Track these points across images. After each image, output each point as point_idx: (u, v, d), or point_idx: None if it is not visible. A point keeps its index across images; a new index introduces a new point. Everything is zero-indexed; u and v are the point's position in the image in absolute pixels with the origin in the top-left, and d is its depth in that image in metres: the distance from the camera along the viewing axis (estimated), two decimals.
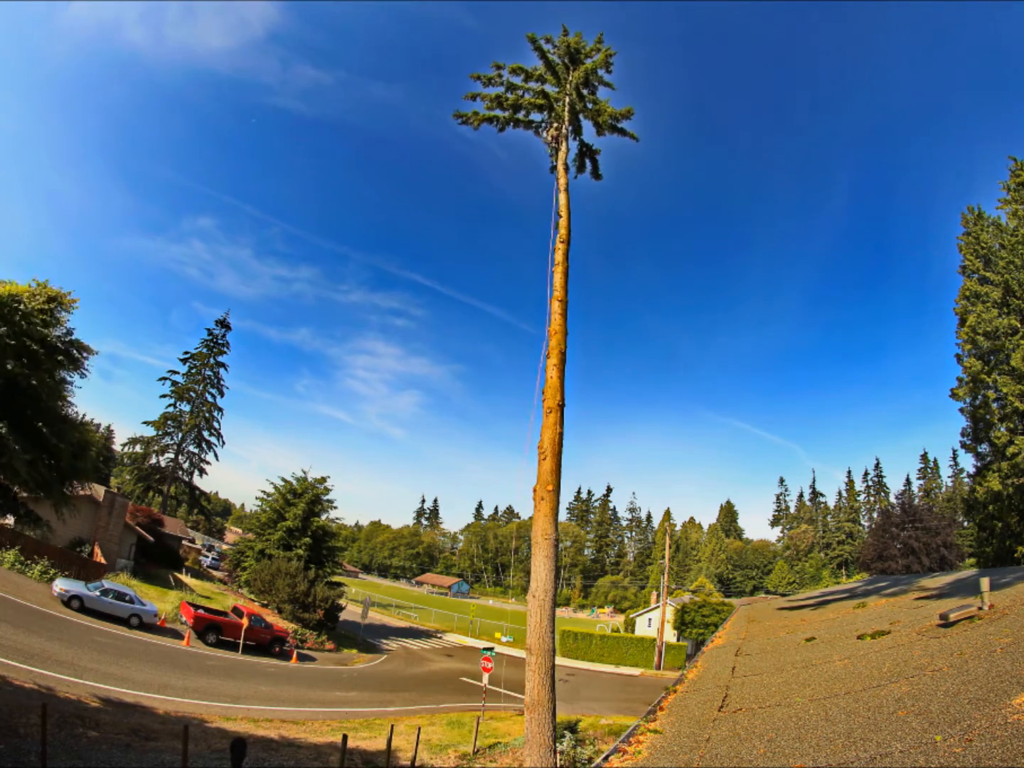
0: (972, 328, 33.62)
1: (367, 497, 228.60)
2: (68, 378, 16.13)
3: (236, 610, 28.31)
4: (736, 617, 23.43)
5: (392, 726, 14.42)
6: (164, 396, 59.88)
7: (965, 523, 52.13)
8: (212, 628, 25.11)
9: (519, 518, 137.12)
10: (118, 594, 22.70)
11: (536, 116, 16.52)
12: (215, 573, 48.67)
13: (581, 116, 16.43)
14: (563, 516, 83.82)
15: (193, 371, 61.27)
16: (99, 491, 31.82)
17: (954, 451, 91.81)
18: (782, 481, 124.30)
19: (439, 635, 48.24)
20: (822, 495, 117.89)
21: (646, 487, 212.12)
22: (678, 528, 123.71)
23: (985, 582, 9.56)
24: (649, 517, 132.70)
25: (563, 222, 14.54)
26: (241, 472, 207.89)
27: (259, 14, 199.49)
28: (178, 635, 23.90)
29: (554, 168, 15.87)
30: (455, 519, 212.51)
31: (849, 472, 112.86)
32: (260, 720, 15.72)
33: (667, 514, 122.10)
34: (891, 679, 6.62)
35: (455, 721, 20.20)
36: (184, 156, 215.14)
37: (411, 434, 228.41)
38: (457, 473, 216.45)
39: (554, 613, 10.80)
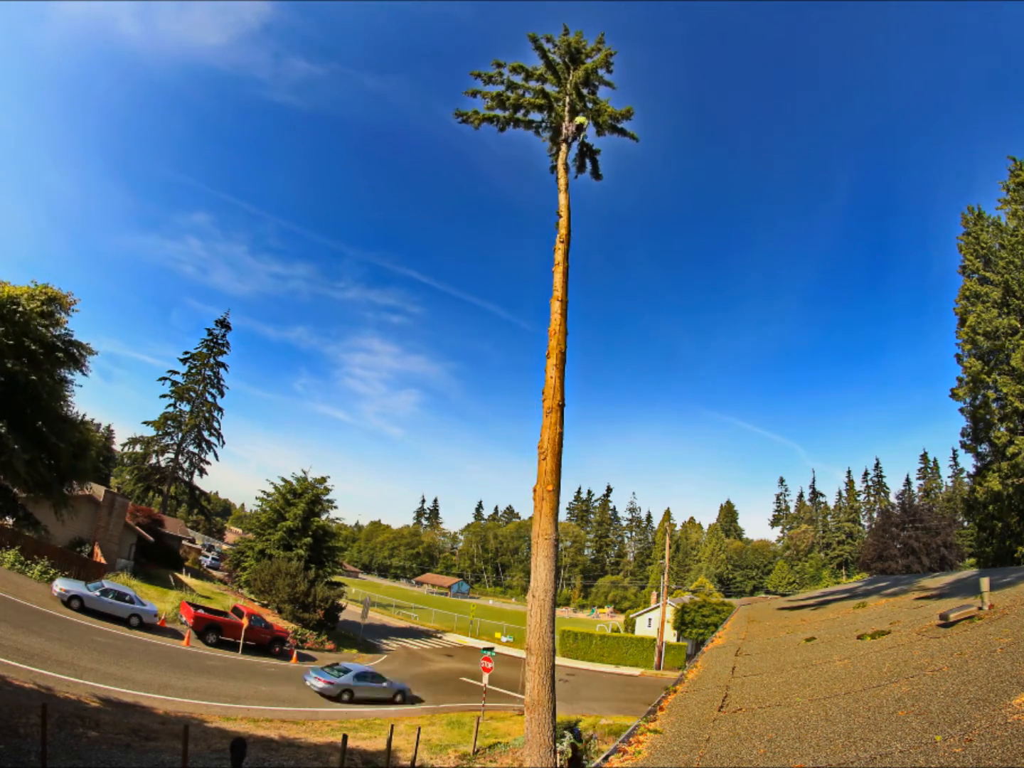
0: (972, 328, 33.62)
1: (367, 497, 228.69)
2: (68, 378, 16.14)
3: (236, 610, 28.30)
4: (736, 617, 23.43)
5: (392, 726, 14.43)
6: (164, 396, 59.92)
7: (965, 523, 52.13)
8: (212, 628, 25.10)
9: (519, 518, 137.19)
10: (118, 594, 22.70)
11: (536, 116, 16.52)
12: (215, 573, 48.66)
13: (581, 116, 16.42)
14: (563, 516, 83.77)
15: (193, 371, 61.28)
16: (99, 491, 31.82)
17: (954, 451, 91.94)
18: (782, 481, 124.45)
19: (439, 635, 48.23)
20: (822, 495, 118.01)
21: (646, 487, 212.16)
22: (678, 528, 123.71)
23: (985, 582, 9.56)
24: (649, 517, 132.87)
25: (563, 222, 14.54)
26: (241, 472, 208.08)
27: (252, 6, 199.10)
28: (178, 635, 23.90)
29: (554, 168, 15.88)
30: (455, 519, 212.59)
31: (849, 472, 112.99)
32: (260, 720, 15.73)
33: (667, 514, 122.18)
34: (891, 679, 6.61)
35: (455, 721, 20.21)
36: (179, 152, 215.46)
37: (410, 433, 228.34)
38: (457, 473, 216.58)
39: (554, 613, 10.80)
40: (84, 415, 65.84)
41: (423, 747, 15.45)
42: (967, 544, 49.83)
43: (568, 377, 12.74)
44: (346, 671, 21.77)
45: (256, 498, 45.75)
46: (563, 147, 15.72)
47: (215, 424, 61.85)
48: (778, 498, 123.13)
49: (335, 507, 41.57)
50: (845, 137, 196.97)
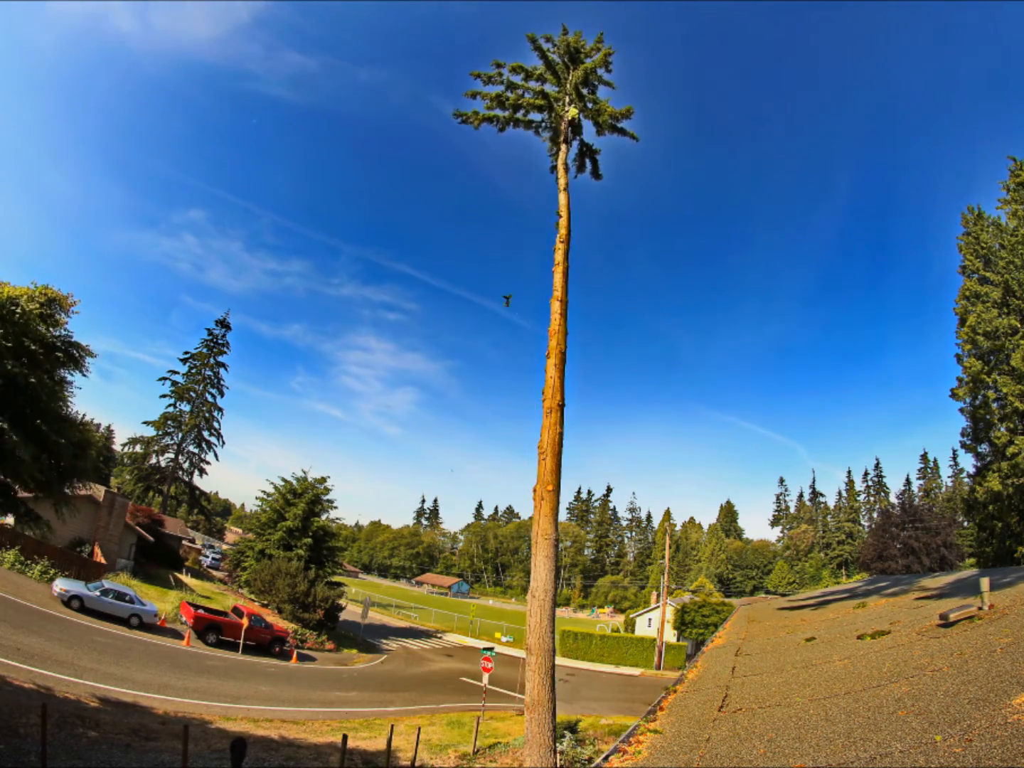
0: (972, 328, 33.62)
1: (367, 497, 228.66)
2: (68, 378, 16.16)
3: (236, 610, 28.30)
4: (736, 617, 23.43)
5: (392, 726, 14.42)
6: (164, 396, 59.97)
7: (965, 523, 52.11)
8: (212, 628, 25.11)
9: (519, 518, 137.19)
10: (118, 594, 22.70)
11: (536, 116, 16.52)
12: (215, 573, 48.67)
13: (581, 116, 16.42)
14: (563, 516, 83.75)
15: (193, 371, 61.30)
16: (99, 491, 31.82)
17: (954, 451, 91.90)
18: (782, 481, 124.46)
19: (439, 635, 48.23)
20: (822, 495, 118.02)
21: (646, 487, 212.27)
22: (678, 528, 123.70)
23: (985, 582, 9.56)
24: (649, 517, 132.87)
25: (563, 222, 14.54)
26: (240, 472, 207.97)
27: None
28: (178, 635, 23.90)
29: (554, 168, 15.87)
30: (455, 519, 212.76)
31: (849, 472, 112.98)
32: (260, 720, 15.73)
33: (667, 514, 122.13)
34: (891, 679, 6.61)
35: (455, 721, 20.20)
36: (174, 147, 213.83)
37: (408, 432, 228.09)
38: (457, 473, 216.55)
39: (554, 613, 10.80)
40: (84, 415, 66.13)
41: (423, 747, 15.45)
42: (967, 544, 49.83)
43: (568, 377, 12.75)
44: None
45: (256, 498, 45.83)
46: (563, 147, 15.73)
47: (215, 424, 61.92)
48: (778, 498, 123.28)
49: (335, 507, 41.68)
50: (845, 137, 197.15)
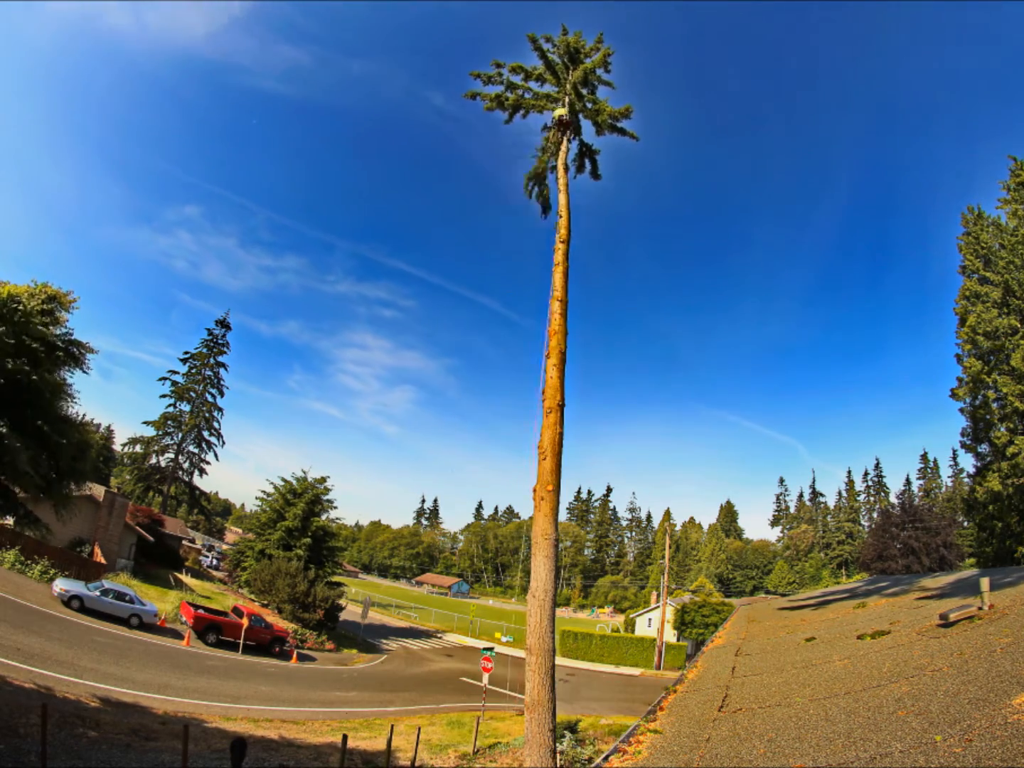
0: (972, 328, 33.61)
1: (367, 497, 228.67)
2: (68, 377, 16.14)
3: (236, 610, 28.30)
4: (736, 617, 23.42)
5: (392, 726, 14.42)
6: (164, 396, 59.98)
7: (965, 523, 52.10)
8: (212, 628, 25.10)
9: (519, 518, 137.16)
10: (118, 594, 22.70)
11: (536, 116, 16.53)
12: (215, 573, 48.67)
13: (580, 115, 16.41)
14: (563, 516, 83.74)
15: (193, 371, 61.30)
16: (99, 491, 31.82)
17: (954, 451, 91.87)
18: (782, 481, 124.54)
19: (439, 635, 48.23)
20: (822, 495, 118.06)
21: (646, 487, 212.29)
22: (678, 528, 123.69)
23: (985, 582, 9.55)
24: (649, 517, 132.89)
25: (563, 222, 14.52)
26: (239, 472, 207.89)
27: None
28: (178, 635, 23.90)
29: (554, 168, 15.86)
30: (455, 519, 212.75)
31: (849, 472, 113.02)
32: (260, 720, 15.73)
33: (667, 514, 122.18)
34: (891, 679, 6.61)
35: (455, 721, 20.20)
36: (168, 143, 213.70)
37: (407, 432, 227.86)
38: (457, 473, 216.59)
39: (554, 613, 10.79)
40: (84, 415, 66.07)
41: (423, 747, 15.44)
42: (967, 544, 49.81)
43: (568, 377, 12.71)
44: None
45: (256, 498, 45.83)
46: (562, 147, 15.71)
47: (215, 424, 61.92)
48: (778, 498, 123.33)
49: (335, 507, 41.66)
50: (845, 137, 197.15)
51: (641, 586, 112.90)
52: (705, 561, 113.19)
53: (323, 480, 40.67)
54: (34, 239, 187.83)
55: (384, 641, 40.26)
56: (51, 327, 15.06)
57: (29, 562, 23.80)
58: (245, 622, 25.84)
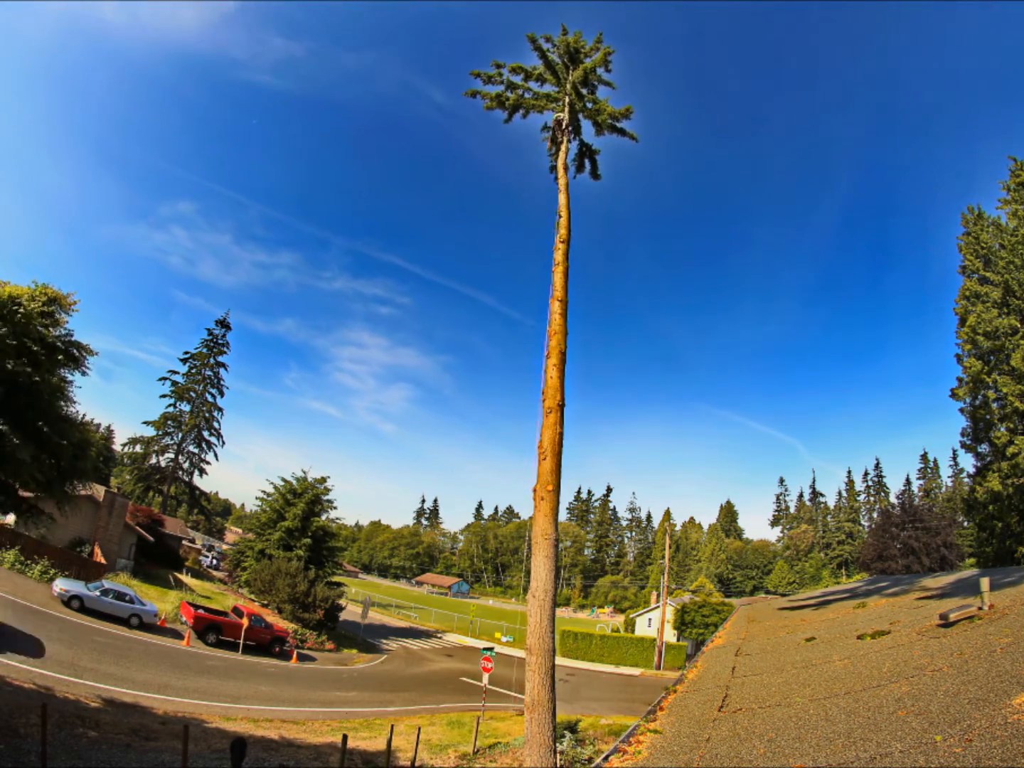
0: (972, 328, 33.61)
1: (367, 497, 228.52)
2: (68, 377, 16.15)
3: (236, 610, 28.30)
4: (736, 617, 23.42)
5: (392, 726, 14.43)
6: (164, 396, 59.97)
7: (965, 523, 52.12)
8: (212, 628, 25.10)
9: (519, 518, 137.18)
10: (118, 594, 22.70)
11: (536, 116, 16.53)
12: (215, 573, 48.67)
13: (580, 116, 16.43)
14: (563, 516, 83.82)
15: (193, 371, 61.29)
16: (99, 491, 31.81)
17: (954, 451, 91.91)
18: (782, 481, 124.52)
19: (439, 635, 48.23)
20: (822, 495, 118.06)
21: (646, 487, 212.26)
22: (678, 528, 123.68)
23: (985, 582, 9.55)
24: (649, 517, 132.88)
25: (563, 222, 14.53)
26: (239, 471, 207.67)
27: None
28: (178, 635, 23.90)
29: (554, 168, 15.86)
30: (455, 519, 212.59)
31: (849, 472, 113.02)
32: (260, 720, 15.73)
33: (667, 514, 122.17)
34: (891, 679, 6.61)
35: (455, 721, 20.20)
36: (162, 138, 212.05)
37: (404, 430, 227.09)
38: (457, 473, 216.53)
39: (554, 613, 10.80)
40: (84, 415, 66.17)
41: (423, 747, 15.45)
42: (967, 544, 49.83)
43: (568, 377, 12.73)
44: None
45: (256, 498, 45.82)
46: (562, 147, 15.72)
47: (215, 424, 61.91)
48: (778, 498, 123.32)
49: (335, 507, 41.64)
50: (845, 137, 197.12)
51: (641, 586, 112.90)
52: (705, 561, 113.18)
53: (323, 480, 40.69)
54: (34, 239, 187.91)
55: (384, 641, 40.26)
56: (51, 329, 15.07)
57: (29, 562, 23.80)
58: (245, 622, 25.83)
